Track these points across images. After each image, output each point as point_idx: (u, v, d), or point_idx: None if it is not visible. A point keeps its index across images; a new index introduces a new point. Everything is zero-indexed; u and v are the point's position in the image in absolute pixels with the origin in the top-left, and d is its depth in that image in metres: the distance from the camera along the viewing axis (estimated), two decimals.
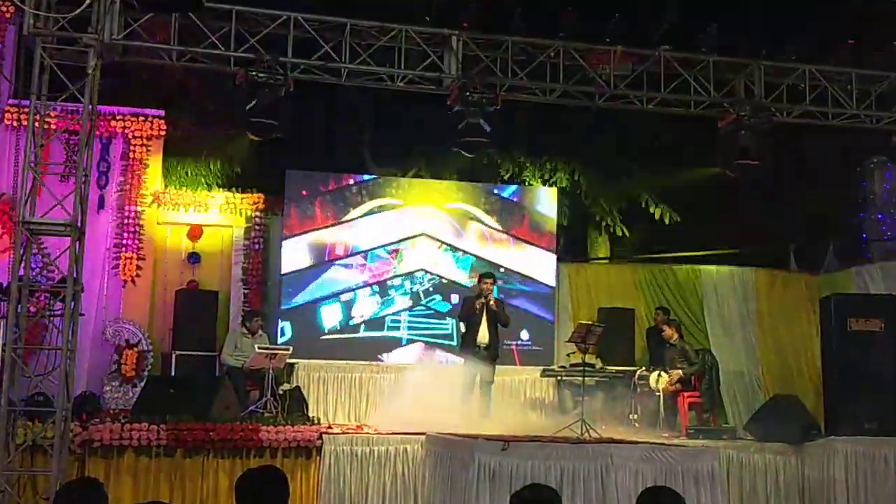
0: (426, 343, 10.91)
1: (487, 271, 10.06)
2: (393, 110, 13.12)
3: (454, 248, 11.22)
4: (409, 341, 10.92)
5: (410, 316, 10.94)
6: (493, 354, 9.43)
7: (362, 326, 10.87)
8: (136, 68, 11.35)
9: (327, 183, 11.19)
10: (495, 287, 9.71)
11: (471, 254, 11.25)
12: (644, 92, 9.80)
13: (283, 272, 10.80)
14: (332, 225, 11.03)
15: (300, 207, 11.00)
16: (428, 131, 13.02)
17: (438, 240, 11.20)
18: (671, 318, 10.85)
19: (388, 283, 11.02)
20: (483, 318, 9.32)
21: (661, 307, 11.30)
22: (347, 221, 11.05)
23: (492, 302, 9.39)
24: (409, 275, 11.07)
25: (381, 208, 11.17)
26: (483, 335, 9.29)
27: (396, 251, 11.05)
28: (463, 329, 9.63)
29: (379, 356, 10.75)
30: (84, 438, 7.88)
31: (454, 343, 10.72)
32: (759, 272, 12.10)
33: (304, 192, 11.08)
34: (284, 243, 10.89)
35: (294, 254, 10.89)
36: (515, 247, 11.39)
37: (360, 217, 11.10)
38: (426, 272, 11.10)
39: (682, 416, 9.83)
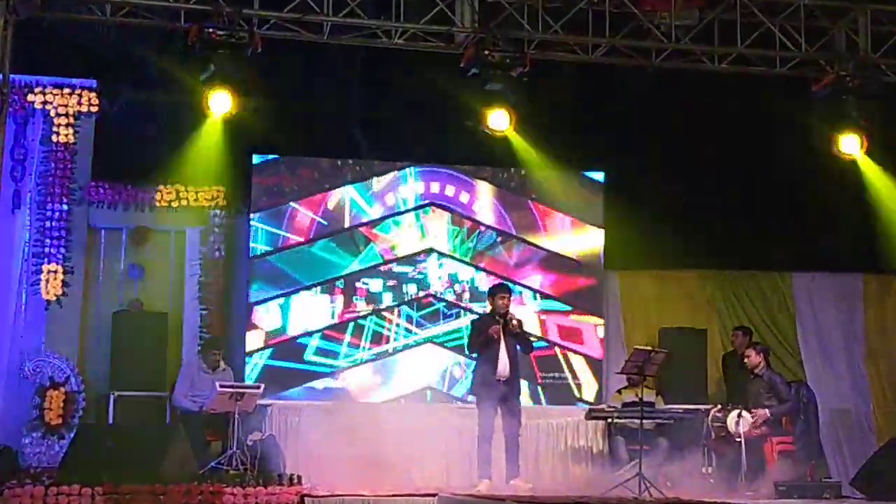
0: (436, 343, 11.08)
1: (501, 283, 9.99)
2: (390, 76, 13.07)
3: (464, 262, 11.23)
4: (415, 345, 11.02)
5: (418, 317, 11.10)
6: (516, 390, 9.38)
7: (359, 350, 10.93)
8: (60, 27, 11.39)
9: (306, 171, 11.13)
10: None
11: (488, 270, 11.23)
12: (715, 47, 9.77)
13: (251, 299, 10.79)
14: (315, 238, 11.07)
15: (272, 204, 10.94)
16: (435, 103, 13.01)
17: (446, 254, 11.24)
18: (755, 342, 10.76)
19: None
20: (502, 344, 9.27)
21: (742, 327, 11.23)
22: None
23: (514, 322, 9.33)
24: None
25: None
26: (503, 366, 9.24)
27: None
28: (473, 362, 9.57)
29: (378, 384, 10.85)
30: None
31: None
32: (869, 278, 12.07)
33: (276, 184, 11.01)
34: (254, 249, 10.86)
35: (265, 267, 10.85)
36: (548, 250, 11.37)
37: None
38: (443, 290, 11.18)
39: (771, 469, 9.74)
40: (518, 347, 9.44)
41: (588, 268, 11.45)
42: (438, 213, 11.35)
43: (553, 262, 11.40)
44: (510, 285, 10.07)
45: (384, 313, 11.07)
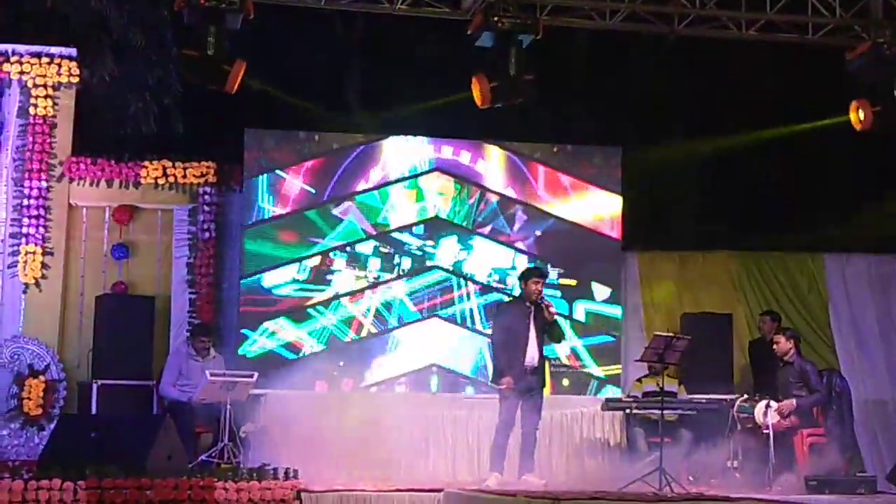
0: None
1: (532, 267, 10.00)
2: (392, 45, 13.08)
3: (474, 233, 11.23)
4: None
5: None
6: (541, 381, 9.40)
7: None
8: None
9: (303, 145, 11.14)
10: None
11: (509, 244, 11.22)
12: (742, 12, 9.75)
13: (244, 275, 10.80)
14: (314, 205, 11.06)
15: (266, 179, 10.96)
16: (440, 73, 13.02)
17: (457, 225, 11.22)
18: (784, 327, 10.76)
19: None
20: (532, 331, 9.26)
21: (770, 311, 11.23)
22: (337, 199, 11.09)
23: (551, 310, 9.32)
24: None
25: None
26: (532, 354, 9.24)
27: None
28: (496, 349, 9.55)
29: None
30: None
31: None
32: None
33: (270, 158, 11.01)
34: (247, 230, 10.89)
35: (260, 242, 10.88)
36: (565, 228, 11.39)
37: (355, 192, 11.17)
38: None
39: (801, 463, 9.76)
40: (549, 336, 9.44)
41: (605, 247, 11.42)
42: (444, 178, 11.33)
43: (568, 236, 11.39)
44: (544, 268, 10.03)
45: (389, 285, 11.08)
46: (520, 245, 11.33)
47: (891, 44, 9.73)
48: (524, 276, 9.53)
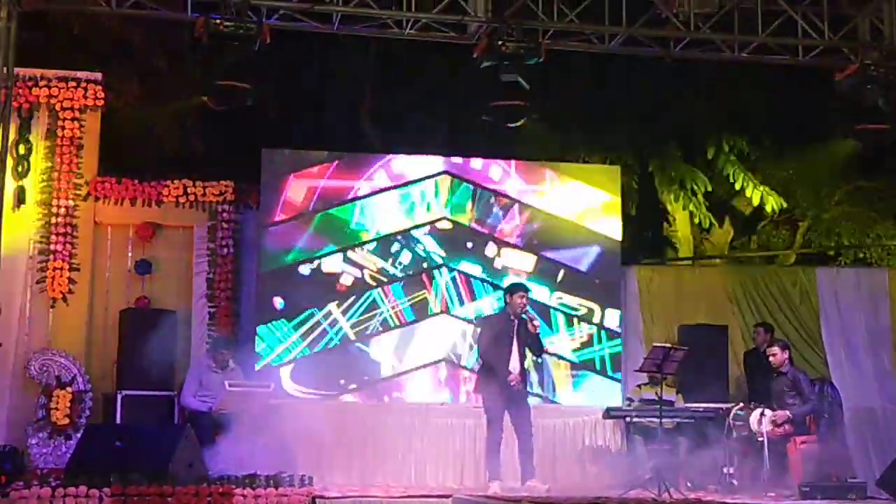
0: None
1: (517, 283, 9.97)
2: (402, 68, 13.12)
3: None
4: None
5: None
6: (525, 391, 9.38)
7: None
8: (65, 19, 11.46)
9: (318, 164, 11.12)
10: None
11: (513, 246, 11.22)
12: (735, 35, 9.75)
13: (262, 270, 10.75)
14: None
15: (281, 196, 10.94)
16: (448, 95, 13.06)
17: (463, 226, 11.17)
18: (778, 339, 10.73)
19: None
20: (514, 344, 9.26)
21: (763, 323, 11.20)
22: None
23: (535, 322, 9.31)
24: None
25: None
26: (514, 367, 9.23)
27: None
28: (481, 360, 9.55)
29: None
30: None
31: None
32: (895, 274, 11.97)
33: (286, 178, 10.99)
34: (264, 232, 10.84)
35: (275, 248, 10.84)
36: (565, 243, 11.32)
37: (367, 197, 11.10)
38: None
39: (795, 469, 9.72)
40: (530, 349, 9.43)
41: (606, 262, 11.37)
42: (453, 181, 11.24)
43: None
44: (526, 285, 9.99)
45: (399, 282, 11.00)
46: (523, 252, 11.22)
47: (878, 65, 9.71)
48: (509, 290, 9.54)
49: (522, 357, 9.29)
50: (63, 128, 10.73)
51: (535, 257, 11.13)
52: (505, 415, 9.22)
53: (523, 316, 9.29)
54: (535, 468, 9.19)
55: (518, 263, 11.12)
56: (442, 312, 11.00)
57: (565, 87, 13.11)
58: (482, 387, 9.36)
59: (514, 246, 11.16)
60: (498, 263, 11.11)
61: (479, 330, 9.69)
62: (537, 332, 9.37)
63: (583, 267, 11.21)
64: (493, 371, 9.24)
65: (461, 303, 11.03)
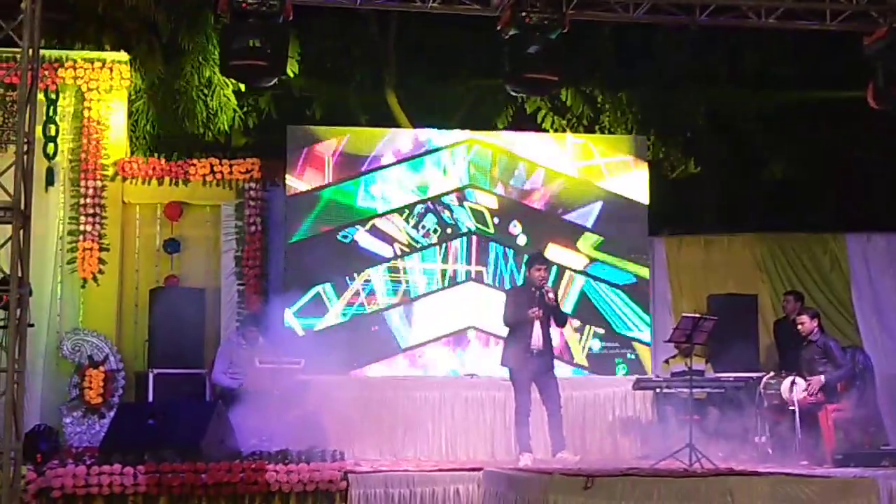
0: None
1: (537, 254, 9.94)
2: (425, 41, 13.03)
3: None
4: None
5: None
6: (550, 363, 9.36)
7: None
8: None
9: (342, 140, 11.09)
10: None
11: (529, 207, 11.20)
12: (761, 1, 9.62)
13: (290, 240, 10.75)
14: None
15: (307, 170, 10.93)
16: (472, 67, 12.97)
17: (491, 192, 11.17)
18: (807, 307, 10.66)
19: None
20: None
21: (793, 291, 11.15)
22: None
23: (551, 295, 9.30)
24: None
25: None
26: (536, 338, 9.23)
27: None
28: (506, 332, 9.54)
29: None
30: (40, 486, 7.97)
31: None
32: None
33: (311, 153, 10.97)
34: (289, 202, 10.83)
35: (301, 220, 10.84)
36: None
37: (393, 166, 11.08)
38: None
39: (827, 437, 9.67)
40: (553, 320, 9.41)
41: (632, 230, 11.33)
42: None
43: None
44: (544, 257, 9.96)
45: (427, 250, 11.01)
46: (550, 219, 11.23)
47: None
48: (528, 263, 9.57)
49: (546, 329, 9.27)
50: (89, 109, 10.78)
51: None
52: (532, 386, 9.22)
53: (541, 288, 9.29)
54: (564, 439, 9.18)
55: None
56: (470, 280, 11.00)
57: (590, 58, 12.99)
58: (508, 357, 9.36)
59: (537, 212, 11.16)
60: (519, 233, 11.12)
61: (505, 301, 9.67)
62: (555, 303, 9.35)
63: (610, 231, 11.21)
64: (518, 342, 9.24)
65: (487, 270, 11.03)
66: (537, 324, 9.21)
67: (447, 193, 11.10)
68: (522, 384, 9.23)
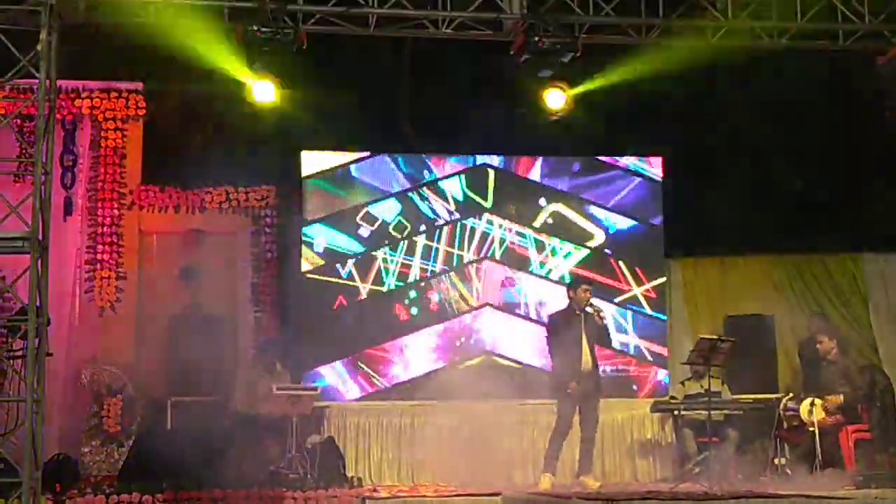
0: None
1: (580, 278, 9.97)
2: (439, 66, 13.07)
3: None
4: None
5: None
6: (598, 385, 9.35)
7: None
8: (105, 30, 11.54)
9: (357, 165, 11.13)
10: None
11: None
12: (774, 22, 9.63)
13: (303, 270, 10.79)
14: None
15: (322, 196, 10.98)
16: (486, 92, 12.98)
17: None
18: (827, 327, 10.63)
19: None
20: (584, 337, 9.23)
21: (818, 313, 11.20)
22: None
23: (602, 314, 9.28)
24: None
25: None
26: (587, 360, 9.21)
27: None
28: (550, 357, 9.50)
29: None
30: None
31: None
32: None
33: (327, 179, 11.01)
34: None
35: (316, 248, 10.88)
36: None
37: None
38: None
39: (847, 458, 9.62)
40: (598, 342, 9.41)
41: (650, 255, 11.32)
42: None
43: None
44: (588, 278, 10.08)
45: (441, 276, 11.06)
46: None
47: None
48: (573, 285, 9.53)
49: (593, 351, 9.27)
50: (106, 138, 10.87)
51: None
52: (576, 412, 9.20)
53: (588, 309, 9.27)
54: (592, 463, 9.17)
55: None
56: (485, 306, 11.02)
57: (604, 80, 12.98)
58: (555, 390, 9.32)
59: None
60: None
61: (547, 331, 9.66)
62: (604, 322, 9.36)
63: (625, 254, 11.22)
64: (566, 367, 9.20)
65: (503, 293, 11.07)
66: (585, 344, 9.20)
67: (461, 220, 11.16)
68: (567, 413, 9.23)
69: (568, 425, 9.19)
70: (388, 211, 11.08)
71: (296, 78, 9.46)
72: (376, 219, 11.02)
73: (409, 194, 11.21)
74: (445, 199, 11.24)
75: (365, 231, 10.96)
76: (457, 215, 11.20)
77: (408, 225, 11.07)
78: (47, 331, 7.86)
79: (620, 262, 11.27)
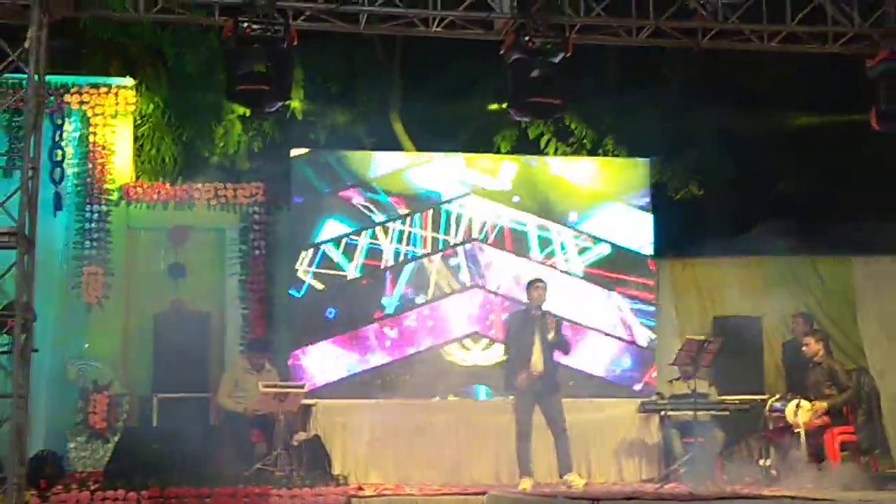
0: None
1: (536, 277, 9.96)
2: (429, 65, 13.10)
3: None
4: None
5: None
6: (553, 385, 9.34)
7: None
8: (94, 25, 11.53)
9: (347, 164, 11.12)
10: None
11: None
12: (764, 24, 9.66)
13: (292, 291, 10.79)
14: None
15: (311, 196, 10.97)
16: (476, 91, 13.02)
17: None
18: (815, 329, 10.65)
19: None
20: (536, 338, 9.26)
21: (802, 314, 11.13)
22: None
23: (551, 318, 9.30)
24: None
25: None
26: (536, 360, 9.22)
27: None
28: (505, 355, 9.56)
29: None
30: None
31: None
32: None
33: (316, 178, 11.01)
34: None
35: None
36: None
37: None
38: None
39: (833, 460, 9.65)
40: (556, 346, 9.42)
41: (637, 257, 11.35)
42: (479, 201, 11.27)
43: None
44: (542, 278, 9.95)
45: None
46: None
47: None
48: (528, 285, 9.62)
49: (546, 350, 9.28)
50: (95, 133, 10.86)
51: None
52: (535, 409, 9.21)
53: (544, 313, 9.30)
54: (571, 461, 9.17)
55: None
56: (472, 288, 11.03)
57: (594, 81, 13.02)
58: (510, 382, 9.36)
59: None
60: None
61: (504, 329, 9.70)
62: (557, 325, 9.35)
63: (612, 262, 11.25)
64: (519, 366, 9.24)
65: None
66: (537, 346, 9.21)
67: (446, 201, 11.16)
68: (525, 409, 9.23)
69: (526, 426, 9.19)
70: (375, 204, 11.03)
71: (287, 77, 9.43)
72: (365, 214, 10.98)
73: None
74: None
75: (354, 224, 10.92)
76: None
77: (396, 213, 11.03)
78: (34, 326, 7.86)
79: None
